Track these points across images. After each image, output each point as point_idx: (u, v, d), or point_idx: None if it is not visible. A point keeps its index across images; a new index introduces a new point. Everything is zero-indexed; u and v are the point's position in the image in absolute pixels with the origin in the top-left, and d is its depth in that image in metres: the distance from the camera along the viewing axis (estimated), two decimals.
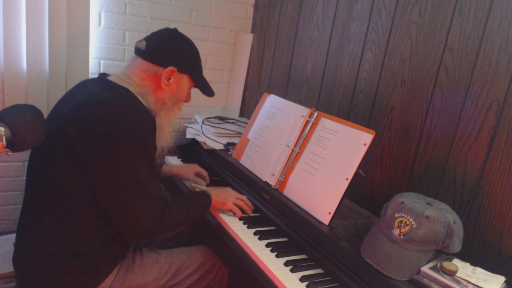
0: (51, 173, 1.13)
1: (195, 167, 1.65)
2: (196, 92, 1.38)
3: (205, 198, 1.35)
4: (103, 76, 1.22)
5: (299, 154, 1.40)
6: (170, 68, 1.22)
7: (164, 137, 1.30)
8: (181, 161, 1.90)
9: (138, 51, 1.25)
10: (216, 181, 1.68)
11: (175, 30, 1.29)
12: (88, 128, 1.07)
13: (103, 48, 1.90)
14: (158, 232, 1.19)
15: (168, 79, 1.24)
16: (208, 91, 1.38)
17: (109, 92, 1.15)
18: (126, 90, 1.18)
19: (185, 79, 1.28)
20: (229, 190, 1.44)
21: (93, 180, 1.09)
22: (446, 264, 1.00)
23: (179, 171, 1.64)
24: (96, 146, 1.06)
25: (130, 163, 1.07)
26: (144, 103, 1.22)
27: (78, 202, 1.12)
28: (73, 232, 1.14)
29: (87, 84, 1.24)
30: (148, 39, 1.25)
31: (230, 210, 1.40)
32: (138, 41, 1.26)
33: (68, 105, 1.16)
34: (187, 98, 1.36)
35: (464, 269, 1.01)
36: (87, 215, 1.13)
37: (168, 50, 1.23)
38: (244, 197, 1.44)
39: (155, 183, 1.16)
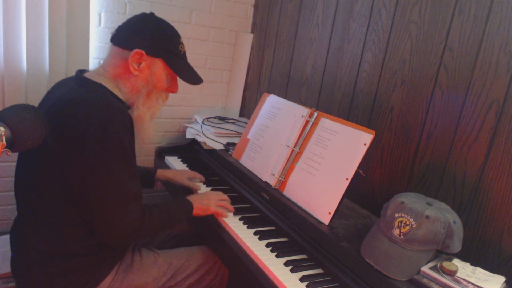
0: (33, 177, 1.11)
1: (187, 172, 1.64)
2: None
3: (187, 205, 1.32)
4: (79, 73, 1.18)
5: (299, 154, 1.40)
6: (136, 50, 1.14)
7: (144, 129, 1.23)
8: (181, 161, 1.89)
9: (111, 38, 1.20)
10: (216, 181, 1.68)
11: (150, 14, 1.22)
12: (61, 128, 1.03)
13: (103, 48, 1.90)
14: (139, 236, 1.16)
15: (138, 64, 1.16)
16: (188, 78, 1.27)
17: (83, 89, 1.10)
18: (100, 86, 1.14)
19: (158, 64, 1.19)
20: (209, 194, 1.41)
21: (69, 182, 1.06)
22: (446, 264, 1.00)
23: (173, 176, 1.62)
24: (69, 146, 1.03)
25: (104, 162, 1.04)
26: (121, 96, 1.18)
27: (63, 206, 1.09)
28: (63, 235, 1.12)
29: (64, 82, 1.21)
30: (121, 24, 1.20)
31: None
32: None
33: (45, 105, 1.14)
34: (173, 88, 1.27)
35: (464, 269, 1.01)
36: (74, 219, 1.11)
37: (135, 31, 1.16)
38: (225, 197, 1.41)
39: (134, 182, 1.12)
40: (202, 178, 1.65)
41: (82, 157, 1.03)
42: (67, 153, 1.04)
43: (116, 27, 1.91)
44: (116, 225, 1.09)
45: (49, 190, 1.09)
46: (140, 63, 1.16)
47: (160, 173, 1.62)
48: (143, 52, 1.15)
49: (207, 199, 1.37)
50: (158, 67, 1.20)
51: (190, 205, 1.32)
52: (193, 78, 1.28)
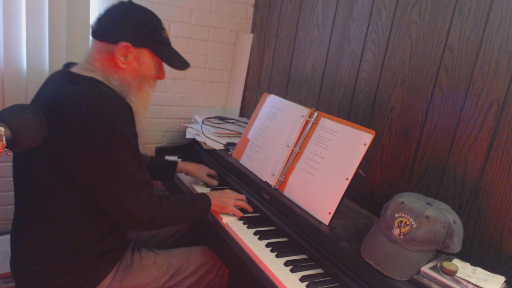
0: (31, 176, 1.11)
1: (207, 169, 1.68)
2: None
3: (205, 200, 1.34)
4: (66, 68, 1.16)
5: (299, 154, 1.40)
6: (122, 43, 1.11)
7: (140, 122, 1.20)
8: (181, 161, 1.89)
9: (92, 32, 1.16)
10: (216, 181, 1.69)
11: (128, 2, 1.18)
12: (60, 125, 1.02)
13: None
14: (157, 223, 1.17)
15: (125, 57, 1.13)
16: (176, 64, 1.24)
17: (74, 85, 1.08)
18: (91, 79, 1.11)
19: (145, 54, 1.16)
20: (228, 192, 1.42)
21: (75, 179, 1.06)
22: (446, 264, 0.99)
23: (194, 170, 1.65)
24: (72, 143, 1.03)
25: (110, 156, 1.04)
26: (112, 87, 1.16)
27: (63, 204, 1.10)
28: (64, 233, 1.12)
29: (53, 78, 1.18)
30: (100, 15, 1.15)
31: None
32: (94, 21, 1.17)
33: (38, 103, 1.13)
34: (160, 75, 1.24)
35: (464, 269, 1.01)
36: (74, 215, 1.12)
37: (117, 24, 1.12)
38: (243, 196, 1.43)
39: (142, 171, 1.12)
40: (216, 176, 1.69)
41: (87, 153, 1.03)
42: (71, 150, 1.04)
43: None
44: (131, 213, 1.11)
45: (49, 189, 1.09)
46: (127, 56, 1.13)
47: (182, 165, 1.66)
48: (129, 45, 1.12)
49: (225, 197, 1.38)
50: (146, 57, 1.17)
51: (208, 201, 1.33)
52: (181, 64, 1.26)
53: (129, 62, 1.14)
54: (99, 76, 1.14)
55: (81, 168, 1.05)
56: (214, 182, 1.63)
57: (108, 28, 1.13)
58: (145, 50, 1.16)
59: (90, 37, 1.17)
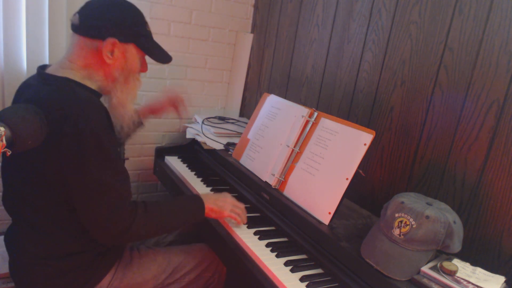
0: (18, 183, 1.10)
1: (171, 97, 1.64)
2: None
3: (197, 204, 1.24)
4: (41, 69, 1.13)
5: (299, 154, 1.40)
6: (110, 40, 1.09)
7: (127, 113, 1.20)
8: (181, 161, 1.89)
9: (73, 27, 1.12)
10: (216, 181, 1.68)
11: None
12: None
13: None
14: (132, 235, 1.10)
15: (112, 52, 1.11)
16: (161, 58, 1.24)
17: (48, 87, 1.06)
18: (65, 80, 1.08)
19: (131, 49, 1.15)
20: (226, 195, 1.32)
21: (52, 184, 1.04)
22: (446, 264, 1.00)
23: (152, 107, 1.62)
24: (45, 148, 1.00)
25: (81, 162, 1.00)
26: (92, 85, 1.14)
27: (50, 208, 1.08)
28: (57, 237, 1.11)
29: (29, 82, 1.17)
30: (81, 10, 1.11)
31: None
32: (73, 15, 1.12)
33: None
34: (143, 68, 1.23)
35: (464, 269, 1.01)
36: (65, 219, 1.10)
37: (104, 19, 1.09)
38: (242, 206, 1.33)
39: (117, 180, 1.07)
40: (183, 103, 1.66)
41: (59, 159, 1.01)
42: (44, 155, 1.01)
43: None
44: (103, 225, 1.07)
45: (34, 194, 1.08)
46: (113, 51, 1.11)
47: (141, 110, 1.60)
48: (116, 41, 1.10)
49: (223, 201, 1.28)
50: (132, 52, 1.16)
51: (201, 204, 1.24)
52: (164, 57, 1.25)
53: (116, 58, 1.12)
54: (76, 76, 1.11)
55: (54, 173, 1.03)
56: (181, 114, 1.61)
57: (93, 24, 1.10)
58: (131, 45, 1.15)
59: (70, 32, 1.13)
